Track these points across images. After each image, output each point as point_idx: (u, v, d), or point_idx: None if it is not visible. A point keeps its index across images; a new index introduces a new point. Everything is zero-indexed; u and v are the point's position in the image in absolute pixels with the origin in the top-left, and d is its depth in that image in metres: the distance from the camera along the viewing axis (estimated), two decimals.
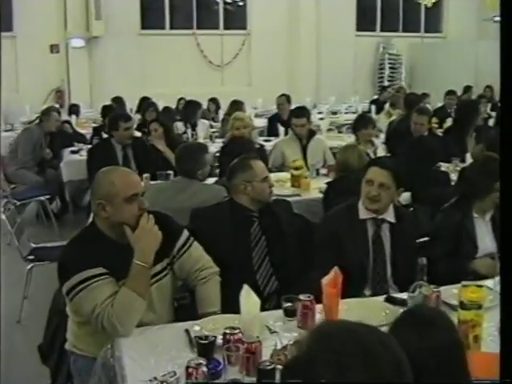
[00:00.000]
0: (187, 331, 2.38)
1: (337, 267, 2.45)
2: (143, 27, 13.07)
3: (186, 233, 2.75)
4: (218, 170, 5.22)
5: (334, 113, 10.72)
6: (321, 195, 4.49)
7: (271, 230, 3.22)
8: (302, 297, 2.47)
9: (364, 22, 14.40)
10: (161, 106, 8.59)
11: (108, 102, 8.82)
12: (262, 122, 8.59)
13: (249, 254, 3.14)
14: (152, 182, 4.65)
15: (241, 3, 13.65)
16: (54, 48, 12.57)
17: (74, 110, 9.68)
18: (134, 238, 2.44)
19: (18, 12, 12.50)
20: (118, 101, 9.31)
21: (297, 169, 5.00)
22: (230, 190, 3.35)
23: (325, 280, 2.41)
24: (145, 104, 8.47)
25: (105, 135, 6.69)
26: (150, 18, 13.26)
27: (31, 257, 4.43)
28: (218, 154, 5.68)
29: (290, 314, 2.53)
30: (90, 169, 5.60)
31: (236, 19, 13.76)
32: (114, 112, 7.23)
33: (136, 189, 2.51)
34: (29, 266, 4.40)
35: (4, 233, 4.55)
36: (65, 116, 8.83)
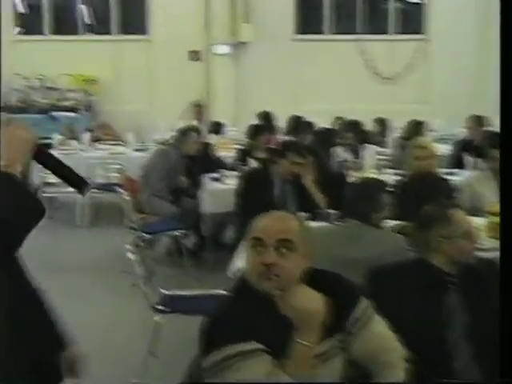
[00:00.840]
0: None
1: None
2: (298, 31, 13.16)
3: (364, 300, 2.52)
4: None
5: None
6: None
7: (474, 300, 2.90)
8: None
9: None
10: (317, 126, 8.50)
11: (255, 120, 8.87)
12: (442, 149, 8.20)
13: (443, 333, 2.84)
14: (315, 224, 4.47)
15: (418, 0, 13.37)
16: (193, 55, 12.98)
17: (215, 128, 9.82)
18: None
19: (155, 12, 13.09)
20: (266, 117, 9.35)
21: (496, 215, 4.60)
22: (418, 243, 3.09)
23: None
24: (298, 124, 8.40)
25: (252, 161, 6.66)
26: (305, 21, 13.38)
27: (161, 306, 4.38)
28: (391, 190, 5.40)
29: None
30: (241, 201, 5.56)
31: (410, 21, 13.50)
32: (263, 130, 7.20)
33: (264, 233, 2.34)
34: (157, 317, 4.35)
35: (130, 272, 4.55)
36: (205, 135, 8.98)
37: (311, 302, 2.28)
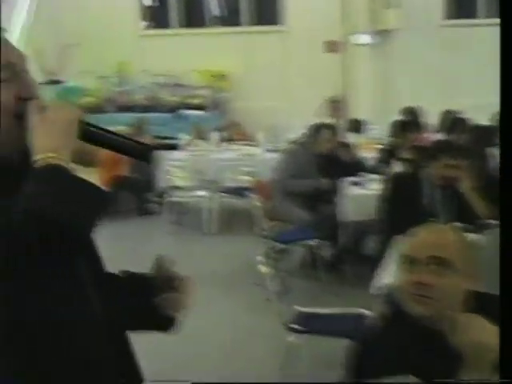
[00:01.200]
0: None
1: None
2: (448, 16, 12.81)
3: None
4: None
5: None
6: None
7: None
8: None
9: None
10: (472, 123, 8.20)
11: (400, 117, 8.70)
12: None
13: None
14: (475, 237, 4.23)
15: None
16: (331, 46, 12.91)
17: (354, 126, 9.70)
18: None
19: (289, 1, 13.10)
20: (412, 113, 9.16)
21: None
22: None
23: None
24: (451, 121, 8.15)
25: (397, 163, 6.47)
26: (456, 4, 13.04)
27: (295, 325, 4.28)
28: None
29: None
30: (387, 208, 5.40)
31: None
32: (410, 127, 7.01)
33: (416, 249, 2.22)
34: (291, 338, 4.24)
35: (263, 285, 4.47)
36: (342, 134, 8.85)
37: (484, 333, 2.08)
